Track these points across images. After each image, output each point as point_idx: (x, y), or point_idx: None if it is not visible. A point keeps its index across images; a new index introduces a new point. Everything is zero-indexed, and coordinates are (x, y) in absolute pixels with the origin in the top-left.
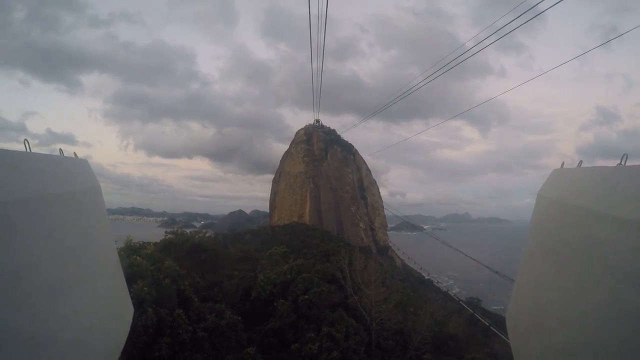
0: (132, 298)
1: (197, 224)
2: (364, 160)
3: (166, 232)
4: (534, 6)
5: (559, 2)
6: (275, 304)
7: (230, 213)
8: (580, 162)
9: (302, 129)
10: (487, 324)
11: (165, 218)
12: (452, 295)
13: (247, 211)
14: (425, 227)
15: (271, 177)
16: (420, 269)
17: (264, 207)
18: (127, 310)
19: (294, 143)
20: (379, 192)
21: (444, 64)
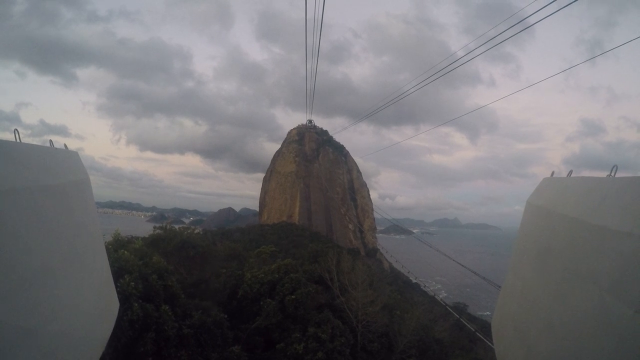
0: (118, 292)
1: (186, 220)
2: (355, 162)
3: (155, 227)
4: (524, 19)
5: (547, 17)
6: (261, 303)
7: (220, 210)
8: (570, 171)
9: (294, 128)
10: (473, 329)
11: (155, 213)
12: (439, 299)
13: (237, 209)
14: (414, 230)
15: (262, 175)
16: (408, 272)
17: (254, 205)
18: (112, 305)
19: (286, 142)
20: (369, 195)
21: (435, 72)
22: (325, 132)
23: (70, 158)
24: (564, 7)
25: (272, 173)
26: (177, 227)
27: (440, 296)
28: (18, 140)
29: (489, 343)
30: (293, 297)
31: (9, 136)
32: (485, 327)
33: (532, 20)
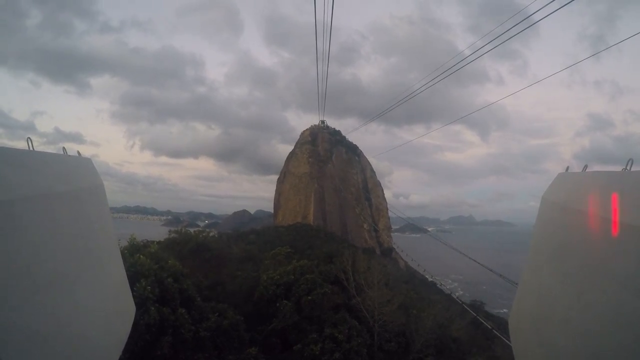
0: (134, 297)
1: (201, 224)
2: (368, 162)
3: (170, 231)
4: (528, 17)
5: (550, 14)
6: (278, 304)
7: (235, 213)
8: (585, 166)
9: (307, 129)
10: (490, 327)
11: (170, 217)
12: (455, 297)
13: (252, 211)
14: (429, 229)
15: (276, 177)
16: (424, 271)
17: (268, 207)
18: (129, 309)
19: (299, 144)
20: (383, 194)
21: (443, 71)
22: (338, 132)
23: (83, 165)
24: (566, 4)
25: (285, 174)
26: (192, 230)
27: (457, 294)
28: (31, 149)
29: (507, 341)
30: (309, 298)
31: (23, 144)
32: (502, 324)
33: (535, 17)
